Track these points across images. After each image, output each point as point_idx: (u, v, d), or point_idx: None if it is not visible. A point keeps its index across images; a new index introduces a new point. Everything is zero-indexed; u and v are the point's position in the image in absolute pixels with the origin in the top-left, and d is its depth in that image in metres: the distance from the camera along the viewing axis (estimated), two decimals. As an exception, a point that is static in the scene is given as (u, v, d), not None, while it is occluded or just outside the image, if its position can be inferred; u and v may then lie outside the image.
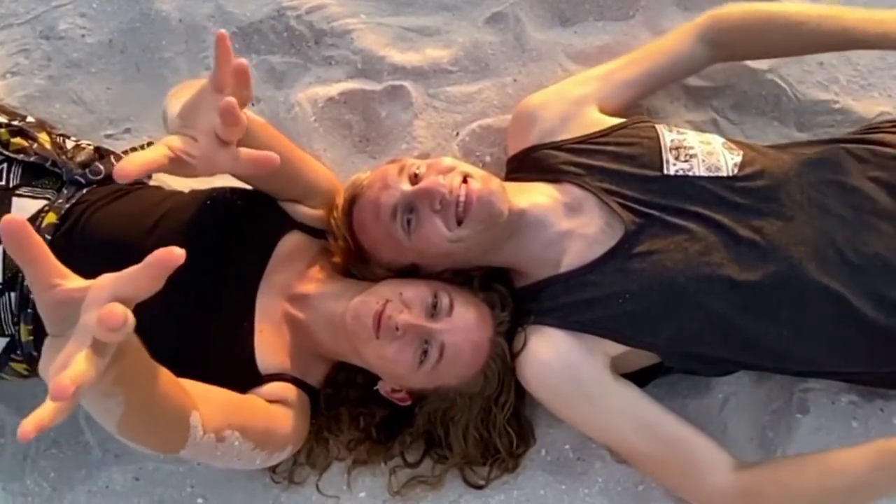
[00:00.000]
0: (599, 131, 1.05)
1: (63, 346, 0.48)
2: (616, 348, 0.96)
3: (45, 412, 0.45)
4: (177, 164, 0.69)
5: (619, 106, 1.12)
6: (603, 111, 1.10)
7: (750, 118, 1.23)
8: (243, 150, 0.71)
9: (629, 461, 1.02)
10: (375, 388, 1.02)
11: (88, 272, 0.52)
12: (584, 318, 0.95)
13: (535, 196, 1.00)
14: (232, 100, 0.65)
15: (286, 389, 0.95)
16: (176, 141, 0.70)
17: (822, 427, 1.07)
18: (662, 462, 0.96)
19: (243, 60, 0.67)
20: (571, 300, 0.96)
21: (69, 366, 0.46)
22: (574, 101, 1.09)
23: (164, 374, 0.65)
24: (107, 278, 0.49)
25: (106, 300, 0.47)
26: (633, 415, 0.95)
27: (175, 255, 0.47)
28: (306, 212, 1.05)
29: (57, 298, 0.50)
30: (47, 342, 0.52)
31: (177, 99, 0.79)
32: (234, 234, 0.99)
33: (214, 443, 0.76)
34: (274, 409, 0.91)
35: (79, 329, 0.48)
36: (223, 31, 0.68)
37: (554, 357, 0.95)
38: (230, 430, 0.78)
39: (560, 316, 0.96)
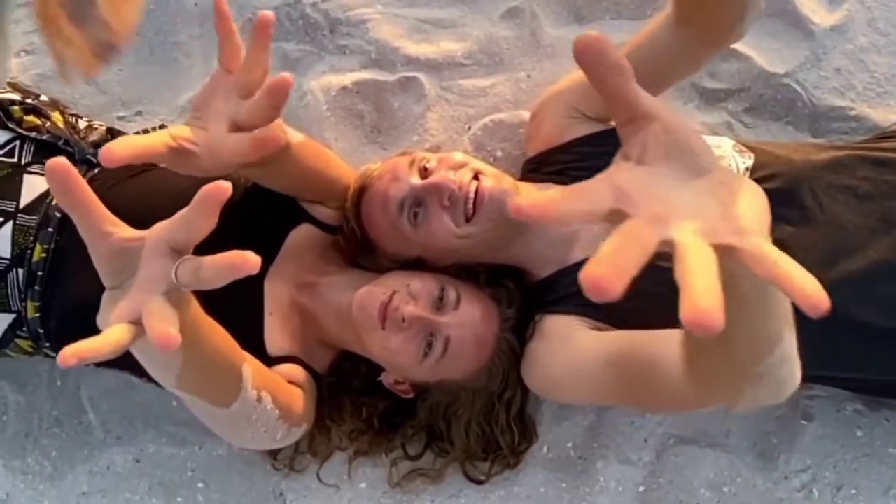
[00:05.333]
0: (606, 131, 1.04)
1: (121, 298, 0.48)
2: None
3: (95, 344, 0.45)
4: (178, 156, 0.64)
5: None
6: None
7: (764, 122, 1.22)
8: (249, 134, 0.66)
9: (613, 401, 0.94)
10: (379, 379, 1.02)
11: None
12: (591, 303, 0.93)
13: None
14: (286, 75, 0.60)
15: (296, 370, 0.95)
16: (183, 130, 0.65)
17: (827, 435, 1.07)
18: (640, 388, 0.84)
19: (288, 76, 0.60)
20: (577, 290, 0.94)
21: (147, 315, 0.46)
22: (578, 102, 1.07)
23: (217, 327, 0.65)
24: (161, 226, 0.49)
25: (167, 246, 0.47)
26: (603, 349, 0.87)
27: (222, 187, 0.46)
28: (323, 211, 1.04)
29: (114, 248, 0.49)
30: (105, 296, 0.51)
31: None
32: (246, 220, 0.99)
33: (255, 402, 0.75)
34: (290, 386, 0.90)
35: (143, 279, 0.48)
36: (269, 14, 0.63)
37: (556, 334, 0.93)
38: (265, 391, 0.78)
39: (565, 304, 0.95)
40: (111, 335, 0.47)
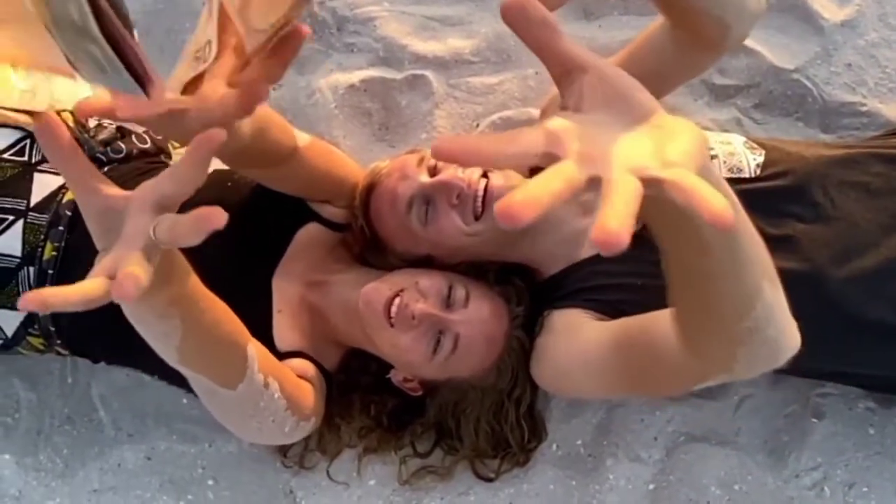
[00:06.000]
0: None
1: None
2: None
3: (64, 292, 0.45)
4: (169, 117, 0.59)
5: None
6: None
7: (774, 118, 1.22)
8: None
9: (622, 388, 0.90)
10: (388, 376, 1.02)
11: None
12: (598, 298, 0.93)
13: None
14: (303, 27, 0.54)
15: (305, 365, 0.95)
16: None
17: (838, 433, 1.06)
18: (645, 368, 0.82)
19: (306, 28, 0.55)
20: (587, 285, 0.94)
21: (121, 267, 0.46)
22: None
23: (219, 302, 0.66)
24: (147, 183, 0.49)
25: (151, 202, 0.47)
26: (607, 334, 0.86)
27: (217, 133, 0.46)
28: (331, 210, 1.04)
29: (102, 205, 0.50)
30: (97, 259, 0.51)
31: None
32: (253, 219, 0.99)
33: (262, 387, 0.75)
34: (299, 379, 0.90)
35: (125, 236, 0.48)
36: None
37: (563, 327, 0.93)
38: (272, 378, 0.77)
39: (572, 298, 0.95)
40: (84, 286, 0.47)
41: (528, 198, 0.35)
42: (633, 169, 0.38)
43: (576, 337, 0.88)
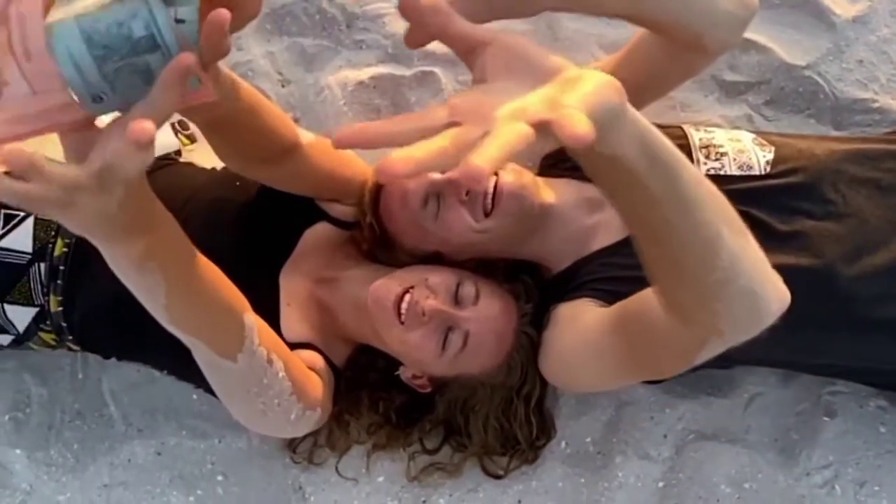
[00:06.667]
0: None
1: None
2: None
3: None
4: None
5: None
6: None
7: (785, 115, 1.21)
8: None
9: (624, 371, 0.88)
10: (397, 373, 1.02)
11: None
12: (605, 288, 0.92)
13: (562, 192, 0.99)
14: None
15: (313, 356, 0.94)
16: None
17: (849, 431, 1.06)
18: (641, 344, 0.81)
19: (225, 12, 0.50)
20: (595, 277, 0.94)
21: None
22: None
23: (210, 265, 0.66)
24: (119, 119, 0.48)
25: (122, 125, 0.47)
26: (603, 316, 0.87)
27: (185, 60, 0.45)
28: (340, 209, 1.04)
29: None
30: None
31: None
32: (261, 218, 0.99)
33: (265, 363, 0.75)
34: (305, 367, 0.89)
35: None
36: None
37: (567, 318, 0.92)
38: (276, 356, 0.77)
39: (578, 290, 0.94)
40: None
41: (407, 156, 0.37)
42: (516, 114, 0.40)
43: (579, 324, 0.88)
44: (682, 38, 0.87)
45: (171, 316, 0.65)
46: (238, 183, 1.01)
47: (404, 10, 0.47)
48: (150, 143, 0.44)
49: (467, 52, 0.47)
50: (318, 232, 1.03)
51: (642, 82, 1.02)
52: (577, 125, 0.37)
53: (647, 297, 0.71)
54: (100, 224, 0.52)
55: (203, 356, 0.72)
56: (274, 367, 0.77)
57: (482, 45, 0.46)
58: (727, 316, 0.62)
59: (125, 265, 0.58)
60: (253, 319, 0.73)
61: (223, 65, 0.65)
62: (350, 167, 1.01)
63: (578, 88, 0.42)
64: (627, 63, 1.00)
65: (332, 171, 0.98)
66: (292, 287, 0.99)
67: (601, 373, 0.85)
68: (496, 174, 0.93)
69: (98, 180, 0.48)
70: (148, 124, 0.44)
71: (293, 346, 0.93)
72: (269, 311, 0.95)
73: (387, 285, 0.93)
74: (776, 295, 0.63)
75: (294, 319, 0.96)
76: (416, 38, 0.50)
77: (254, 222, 0.99)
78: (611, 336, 0.80)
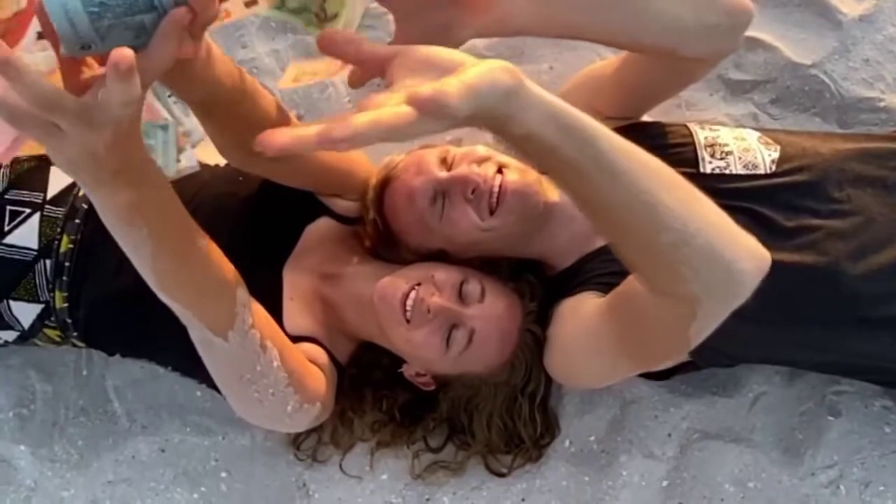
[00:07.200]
0: (622, 127, 1.03)
1: None
2: None
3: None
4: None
5: (621, 105, 1.06)
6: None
7: (791, 114, 1.21)
8: None
9: (623, 359, 0.87)
10: (400, 370, 1.02)
11: None
12: (609, 282, 0.92)
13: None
14: None
15: (317, 351, 0.94)
16: None
17: (854, 431, 1.05)
18: (634, 326, 0.81)
19: None
20: (598, 273, 0.94)
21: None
22: (592, 101, 1.06)
23: (202, 233, 0.66)
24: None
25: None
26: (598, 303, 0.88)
27: (184, 12, 0.47)
28: (342, 203, 1.04)
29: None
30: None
31: None
32: (264, 213, 0.99)
33: (258, 347, 0.75)
34: (306, 360, 0.88)
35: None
36: None
37: (569, 312, 0.92)
38: (270, 342, 0.77)
39: (582, 285, 0.94)
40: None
41: (288, 131, 0.45)
42: (399, 96, 0.47)
43: (579, 314, 0.89)
44: (657, 52, 0.87)
45: (159, 280, 0.64)
46: (241, 178, 1.01)
47: (324, 48, 0.54)
48: (130, 70, 0.44)
49: (382, 71, 0.54)
50: (321, 227, 1.03)
51: (645, 84, 1.02)
52: (425, 94, 0.46)
53: (630, 285, 0.73)
54: (86, 162, 0.51)
55: (196, 333, 0.72)
56: (268, 354, 0.76)
57: (389, 60, 0.54)
58: (697, 281, 0.61)
59: (112, 216, 0.58)
60: (247, 297, 0.72)
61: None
62: (350, 162, 1.01)
63: (460, 74, 0.49)
64: (630, 66, 1.01)
65: (335, 166, 0.98)
66: (295, 282, 0.99)
67: (601, 362, 0.85)
68: (501, 172, 0.92)
69: (84, 108, 0.47)
70: (127, 51, 0.44)
71: (296, 339, 0.93)
72: (273, 305, 0.95)
73: (394, 283, 0.93)
74: (748, 254, 0.62)
75: (297, 314, 0.96)
76: (357, 78, 0.58)
77: (256, 217, 0.99)
78: (607, 323, 0.80)
